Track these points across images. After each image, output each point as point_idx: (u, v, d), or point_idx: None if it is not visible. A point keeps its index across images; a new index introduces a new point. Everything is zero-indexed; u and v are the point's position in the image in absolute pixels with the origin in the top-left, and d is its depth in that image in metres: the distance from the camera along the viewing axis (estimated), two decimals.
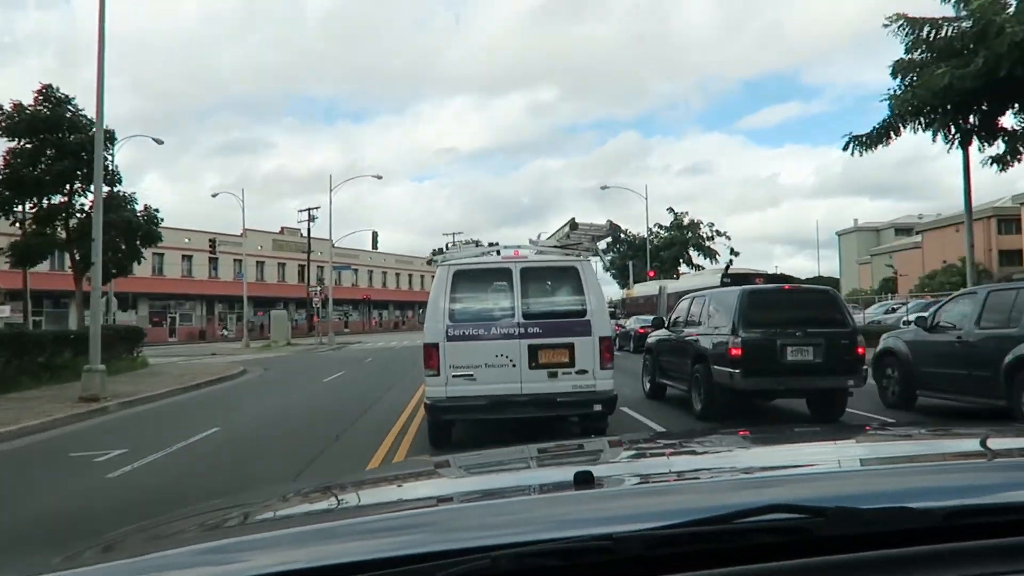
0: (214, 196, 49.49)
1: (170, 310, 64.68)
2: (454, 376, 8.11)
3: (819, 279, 71.35)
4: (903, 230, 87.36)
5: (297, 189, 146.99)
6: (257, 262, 71.98)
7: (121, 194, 28.43)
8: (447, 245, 11.96)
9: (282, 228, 75.19)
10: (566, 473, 1.40)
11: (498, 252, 9.01)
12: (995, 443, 1.77)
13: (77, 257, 27.39)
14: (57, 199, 26.35)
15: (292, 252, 71.29)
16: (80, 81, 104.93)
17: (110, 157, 27.45)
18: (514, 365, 8.14)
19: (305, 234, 63.73)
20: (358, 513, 1.55)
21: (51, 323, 49.17)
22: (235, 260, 57.83)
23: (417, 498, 1.71)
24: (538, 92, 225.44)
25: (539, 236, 12.65)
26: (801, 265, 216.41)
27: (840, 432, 2.99)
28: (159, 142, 34.51)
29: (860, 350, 10.12)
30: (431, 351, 8.18)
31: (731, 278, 17.15)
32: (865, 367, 10.24)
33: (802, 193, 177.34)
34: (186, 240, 62.13)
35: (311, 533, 1.22)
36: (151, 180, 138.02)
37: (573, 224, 12.36)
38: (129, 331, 25.62)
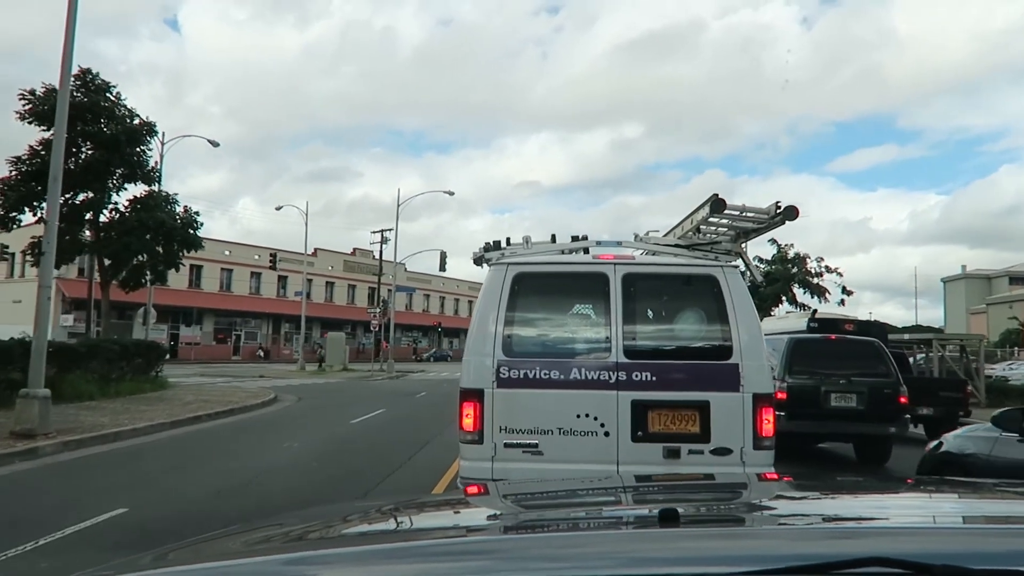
0: (278, 209, 47.22)
1: (236, 327, 62.80)
2: (506, 446, 5.28)
3: (918, 328, 66.58)
4: (1019, 279, 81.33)
5: (381, 217, 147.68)
6: (327, 282, 69.85)
7: (162, 194, 25.55)
8: (507, 239, 6.23)
9: (354, 249, 72.92)
10: (652, 510, 1.43)
11: (586, 251, 6.11)
12: None
13: (107, 262, 24.54)
14: (82, 197, 23.36)
15: (363, 274, 68.73)
16: (183, 107, 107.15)
17: (149, 152, 24.61)
18: (607, 433, 5.28)
19: (377, 256, 60.79)
20: (433, 535, 1.50)
21: (112, 334, 47.35)
22: (306, 279, 55.50)
23: (491, 525, 1.67)
24: (623, 129, 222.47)
25: (647, 233, 7.14)
26: (891, 313, 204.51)
27: (935, 486, 2.51)
28: (215, 144, 31.90)
29: (902, 399, 10.60)
30: (471, 402, 5.33)
31: (819, 323, 15.43)
32: (907, 416, 10.69)
33: (895, 239, 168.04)
34: (256, 257, 60.24)
35: (381, 552, 1.24)
36: (244, 203, 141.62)
37: (716, 203, 6.54)
38: (146, 347, 22.27)
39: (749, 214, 6.59)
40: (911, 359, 29.52)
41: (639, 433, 5.32)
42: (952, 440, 6.27)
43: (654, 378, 5.38)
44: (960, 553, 1.03)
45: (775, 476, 5.32)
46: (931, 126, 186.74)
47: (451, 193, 51.31)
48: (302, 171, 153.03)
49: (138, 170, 24.18)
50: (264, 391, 22.82)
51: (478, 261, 6.04)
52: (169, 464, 9.98)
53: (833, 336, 12.66)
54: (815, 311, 28.54)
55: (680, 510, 1.31)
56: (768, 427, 5.35)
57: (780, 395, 9.96)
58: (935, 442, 6.52)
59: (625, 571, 0.98)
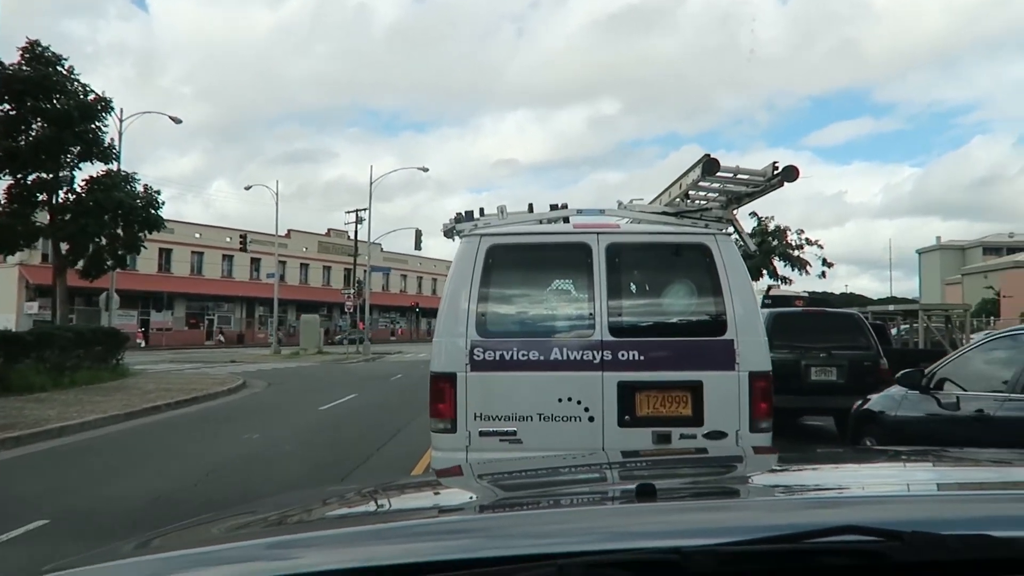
0: (247, 189, 45.81)
1: (208, 312, 61.44)
2: (481, 434, 4.89)
3: (892, 300, 66.90)
4: (992, 249, 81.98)
5: (357, 198, 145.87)
6: (301, 264, 68.53)
7: (121, 173, 24.33)
8: (480, 210, 5.47)
9: (329, 230, 71.58)
10: (628, 485, 1.53)
11: (566, 220, 5.61)
12: None
13: (63, 248, 23.34)
14: (34, 177, 22.10)
15: (338, 255, 67.37)
16: (154, 88, 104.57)
17: (105, 129, 23.36)
18: (592, 418, 4.91)
19: (352, 236, 59.62)
20: (418, 516, 1.52)
21: (82, 321, 45.93)
22: (279, 261, 54.20)
23: (477, 503, 1.71)
24: (600, 105, 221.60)
25: (631, 201, 6.26)
26: (867, 286, 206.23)
27: (911, 455, 2.37)
28: (177, 121, 30.64)
29: (883, 371, 10.32)
30: (442, 387, 4.94)
31: (772, 300, 16.01)
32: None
33: (869, 212, 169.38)
34: (227, 239, 58.77)
35: (365, 534, 1.24)
36: (218, 186, 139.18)
37: (709, 164, 5.63)
38: (104, 334, 21.18)
39: (743, 176, 5.81)
40: (894, 330, 29.46)
41: (626, 417, 4.94)
42: (873, 399, 7.10)
43: (642, 357, 4.99)
44: (931, 520, 1.06)
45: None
46: (906, 99, 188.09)
47: (425, 170, 50.07)
48: (277, 152, 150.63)
49: (94, 148, 22.95)
50: (232, 377, 21.88)
51: (448, 233, 5.55)
52: (111, 464, 9.09)
53: (814, 310, 12.86)
54: (769, 287, 28.73)
55: (657, 485, 1.32)
56: (766, 408, 5.00)
57: None
58: (860, 400, 7.39)
59: (601, 546, 0.98)
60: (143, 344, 49.24)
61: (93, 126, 22.70)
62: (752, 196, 6.11)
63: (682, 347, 5.05)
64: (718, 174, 5.69)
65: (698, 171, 5.73)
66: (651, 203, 6.91)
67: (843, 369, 10.55)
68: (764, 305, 13.66)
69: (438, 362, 5.04)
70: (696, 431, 4.91)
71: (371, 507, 1.69)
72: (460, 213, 5.51)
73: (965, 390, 5.86)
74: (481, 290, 5.05)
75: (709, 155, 5.68)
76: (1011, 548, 0.97)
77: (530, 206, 5.83)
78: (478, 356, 4.96)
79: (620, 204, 5.94)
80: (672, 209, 5.98)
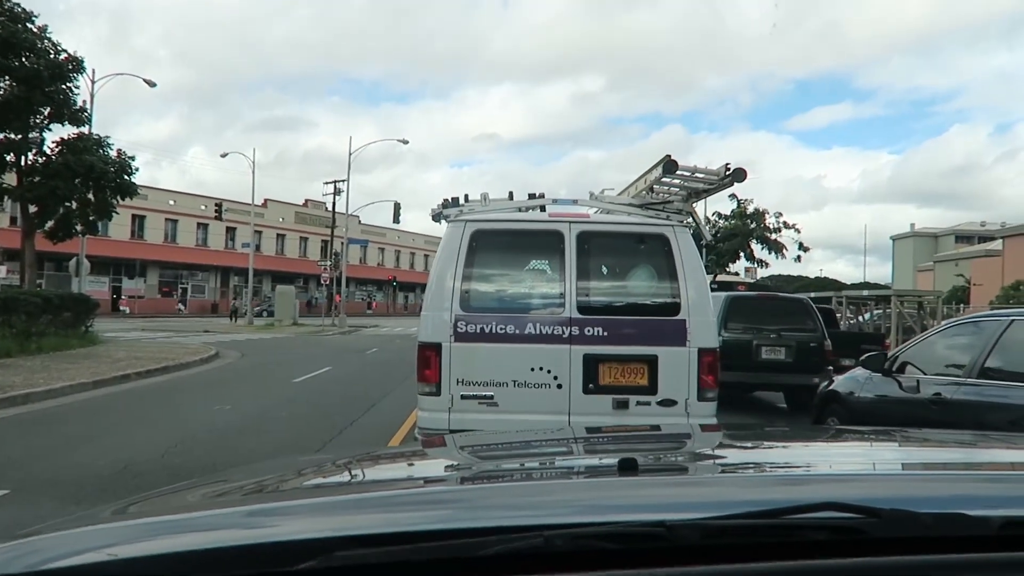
0: (223, 156, 44.94)
1: (182, 280, 60.67)
2: (463, 397, 5.55)
3: (866, 285, 67.70)
4: (965, 237, 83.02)
5: (336, 169, 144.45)
6: (278, 235, 67.79)
7: (92, 136, 23.74)
8: (465, 196, 6.36)
9: (306, 201, 70.78)
10: (610, 459, 1.51)
11: (542, 208, 6.46)
12: None
13: (31, 211, 22.77)
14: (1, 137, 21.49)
15: (316, 226, 66.57)
16: (128, 50, 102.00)
17: (76, 90, 22.75)
18: (560, 386, 5.58)
19: (330, 208, 58.96)
20: (400, 486, 1.53)
21: (52, 287, 45.08)
22: (255, 231, 53.47)
23: (459, 474, 1.71)
24: (584, 81, 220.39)
25: (603, 191, 7.27)
26: (841, 270, 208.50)
27: (890, 435, 2.45)
28: (151, 84, 29.94)
29: (827, 352, 11.46)
30: (429, 355, 5.59)
31: (718, 284, 17.19)
32: (831, 367, 11.12)
33: (847, 197, 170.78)
34: (202, 207, 57.84)
35: (345, 503, 1.23)
36: (195, 153, 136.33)
37: (669, 164, 6.66)
38: (73, 300, 20.74)
39: (700, 175, 6.86)
40: (867, 314, 29.79)
41: (590, 385, 5.57)
42: (838, 380, 7.49)
43: (605, 333, 5.61)
44: (906, 498, 1.08)
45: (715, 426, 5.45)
46: (887, 84, 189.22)
47: (405, 142, 49.65)
48: (255, 119, 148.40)
49: (64, 109, 22.39)
50: (205, 347, 21.59)
51: (436, 218, 6.19)
52: (77, 432, 8.88)
53: (766, 294, 14.13)
54: (716, 275, 29.66)
55: (638, 459, 1.34)
56: (712, 380, 5.65)
57: None
58: (827, 381, 7.86)
59: (586, 518, 0.98)
60: (128, 312, 48.18)
61: (64, 87, 22.11)
62: (708, 192, 7.29)
63: (641, 325, 5.69)
64: (677, 173, 6.73)
65: (659, 170, 6.72)
66: (620, 194, 7.84)
67: (791, 349, 11.42)
68: (712, 290, 14.28)
69: (425, 333, 5.65)
70: (651, 399, 5.57)
71: (349, 477, 1.69)
72: (447, 199, 6.16)
73: (925, 374, 6.02)
74: (465, 270, 5.65)
75: (669, 156, 6.68)
76: (985, 526, 0.99)
77: (510, 194, 6.49)
78: (461, 328, 5.58)
79: (592, 195, 6.73)
80: (638, 201, 6.81)
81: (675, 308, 5.66)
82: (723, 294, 12.69)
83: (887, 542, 0.96)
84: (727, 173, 6.61)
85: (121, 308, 47.74)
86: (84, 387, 12.43)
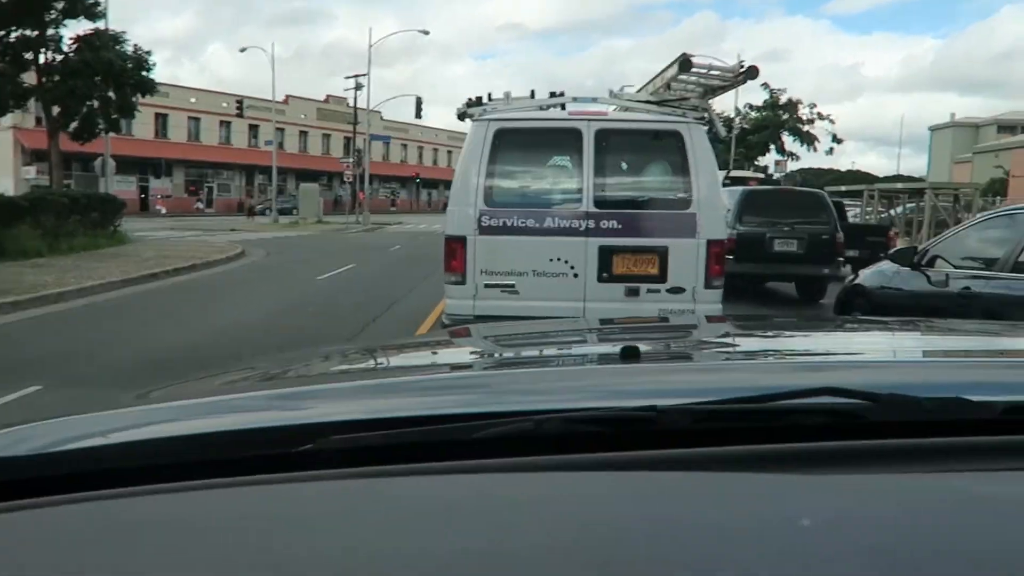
0: (242, 51, 44.20)
1: (207, 179, 60.80)
2: (486, 286, 6.01)
3: (899, 178, 66.02)
4: (1007, 127, 79.98)
5: (357, 63, 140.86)
6: (300, 132, 67.17)
7: (108, 32, 23.34)
8: (488, 95, 6.58)
9: (327, 96, 69.70)
10: (613, 348, 1.44)
11: (563, 107, 6.58)
12: None
13: (56, 110, 22.69)
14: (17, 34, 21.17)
15: (338, 123, 65.70)
16: None
17: None
18: (576, 275, 6.02)
19: (351, 104, 58.06)
20: (412, 373, 1.56)
21: (81, 187, 45.45)
22: (277, 128, 53.01)
23: (465, 363, 1.75)
24: None
25: (622, 89, 7.61)
26: (874, 163, 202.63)
27: (893, 325, 2.41)
28: None
29: (838, 245, 11.81)
30: (455, 247, 6.05)
31: (731, 179, 17.92)
32: (841, 259, 11.95)
33: (885, 86, 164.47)
34: (223, 105, 57.25)
35: (367, 388, 1.26)
36: (214, 49, 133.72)
37: (684, 62, 6.88)
38: (100, 200, 20.90)
39: (715, 72, 7.15)
40: (899, 208, 29.20)
41: (604, 275, 5.98)
42: (864, 274, 7.33)
43: (620, 226, 5.98)
44: (909, 383, 1.08)
45: (721, 316, 5.55)
46: None
47: (426, 33, 48.48)
48: (273, 13, 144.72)
49: (78, 3, 21.92)
50: (232, 245, 21.80)
51: (461, 116, 6.54)
52: (109, 329, 9.13)
53: (782, 188, 14.72)
54: (729, 170, 29.63)
55: (642, 348, 1.37)
56: (719, 270, 6.03)
57: (731, 241, 11.01)
58: (852, 275, 7.84)
59: (584, 404, 1.01)
60: (164, 212, 48.18)
61: None
62: (724, 89, 7.60)
63: (654, 218, 6.04)
64: (692, 70, 6.99)
65: (675, 68, 6.99)
66: (638, 91, 8.06)
67: (803, 241, 11.76)
68: (724, 185, 14.63)
69: (452, 227, 6.04)
70: (660, 287, 5.99)
71: (375, 363, 1.73)
72: (471, 99, 6.42)
73: (956, 268, 5.96)
74: (489, 167, 5.97)
75: (685, 54, 6.94)
76: (987, 410, 0.98)
77: (532, 92, 6.75)
78: (485, 222, 5.96)
79: (611, 93, 6.98)
80: (656, 98, 7.08)
81: (687, 203, 6.00)
82: (739, 188, 13.14)
83: (886, 427, 0.95)
84: (741, 70, 6.90)
85: (157, 208, 47.84)
86: (114, 286, 12.67)
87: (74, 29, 22.88)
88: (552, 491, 0.80)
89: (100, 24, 23.26)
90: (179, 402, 1.25)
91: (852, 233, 14.50)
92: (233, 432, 0.99)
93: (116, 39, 23.32)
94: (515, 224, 6.00)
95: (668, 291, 6.00)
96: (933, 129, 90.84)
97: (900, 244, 20.62)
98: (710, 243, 6.00)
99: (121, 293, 12.29)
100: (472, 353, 1.93)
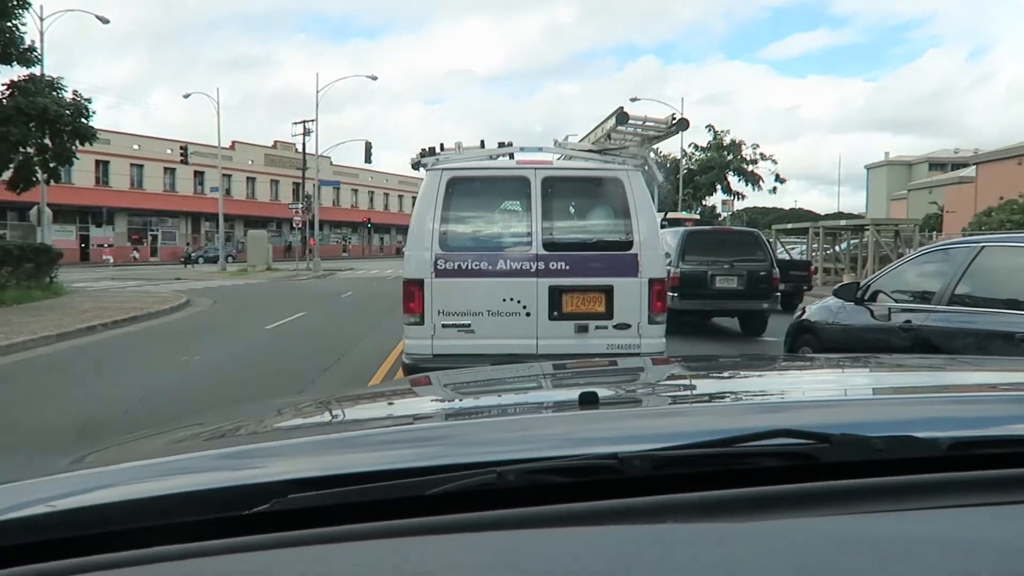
0: (186, 97, 43.57)
1: (151, 227, 59.42)
2: (444, 326, 6.27)
3: (840, 215, 68.14)
4: (938, 165, 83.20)
5: (305, 109, 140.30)
6: (248, 178, 66.35)
7: (44, 78, 22.67)
8: (440, 145, 6.91)
9: (275, 142, 69.13)
10: (570, 394, 1.51)
11: (511, 156, 7.04)
12: (999, 376, 1.81)
13: None
14: None
15: (287, 168, 65.11)
16: None
17: (23, 27, 21.60)
18: (528, 314, 6.31)
19: (300, 149, 57.54)
20: (368, 426, 1.52)
21: (17, 237, 43.80)
22: (223, 175, 52.12)
23: (422, 414, 1.72)
24: (557, 11, 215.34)
25: (567, 138, 8.49)
26: (815, 201, 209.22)
27: (842, 362, 2.47)
28: (104, 20, 28.61)
29: (775, 280, 12.52)
30: (412, 290, 6.31)
31: (668, 221, 19.07)
32: (778, 293, 12.58)
33: (822, 127, 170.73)
34: (168, 151, 56.21)
35: (322, 443, 1.22)
36: (158, 95, 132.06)
37: (621, 116, 7.89)
38: (34, 250, 20.06)
39: (650, 124, 8.05)
40: (843, 244, 30.01)
41: (555, 313, 6.30)
42: (811, 309, 7.53)
43: (568, 267, 6.33)
44: (859, 422, 1.09)
45: (663, 353, 6.17)
46: (863, 10, 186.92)
47: (374, 78, 48.20)
48: (218, 59, 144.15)
49: (11, 49, 21.26)
50: (176, 295, 21.11)
51: (415, 166, 6.79)
52: (37, 388, 8.56)
53: (721, 228, 15.96)
54: (666, 212, 30.82)
55: (600, 393, 1.36)
56: (660, 306, 6.41)
57: (675, 279, 11.72)
58: (800, 311, 7.98)
59: (544, 453, 1.00)
60: (111, 261, 46.46)
61: (9, 24, 20.96)
62: (660, 138, 8.73)
63: (599, 259, 6.40)
64: (629, 123, 7.88)
65: (613, 120, 7.85)
66: (581, 141, 8.96)
67: (743, 278, 12.41)
68: (662, 226, 15.81)
69: (409, 270, 6.33)
70: (608, 323, 6.32)
71: (330, 417, 1.69)
72: (424, 148, 6.71)
73: (896, 302, 6.12)
74: (443, 213, 6.28)
75: (622, 108, 7.83)
76: (934, 447, 1.01)
77: (482, 142, 7.07)
78: (441, 266, 6.24)
79: (556, 142, 7.41)
80: (597, 147, 7.57)
81: (629, 244, 6.37)
82: (680, 229, 13.98)
83: (840, 467, 0.96)
84: (673, 122, 8.03)
85: (105, 258, 46.08)
86: (48, 340, 12.01)
87: (8, 75, 22.18)
88: (519, 556, 0.76)
89: (35, 70, 22.62)
90: (120, 465, 1.18)
91: (787, 268, 15.57)
92: (181, 495, 0.94)
93: (52, 85, 22.64)
94: (469, 267, 6.30)
95: (615, 327, 6.35)
96: (869, 168, 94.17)
97: (846, 279, 21.27)
98: (652, 281, 6.38)
99: (54, 348, 11.62)
100: (432, 402, 1.92)
